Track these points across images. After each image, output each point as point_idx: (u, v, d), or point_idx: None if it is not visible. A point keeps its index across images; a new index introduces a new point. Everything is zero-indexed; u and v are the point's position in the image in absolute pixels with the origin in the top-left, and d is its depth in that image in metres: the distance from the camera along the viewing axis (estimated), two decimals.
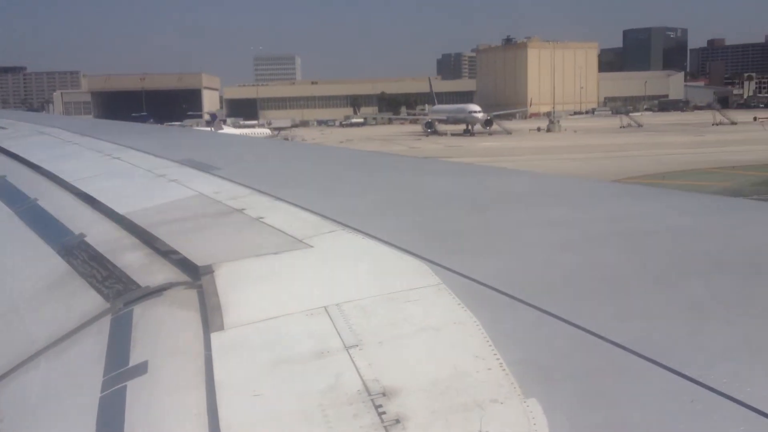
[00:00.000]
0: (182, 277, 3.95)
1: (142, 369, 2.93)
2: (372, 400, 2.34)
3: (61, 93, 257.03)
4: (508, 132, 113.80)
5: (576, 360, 2.51)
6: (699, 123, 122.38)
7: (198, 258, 4.02)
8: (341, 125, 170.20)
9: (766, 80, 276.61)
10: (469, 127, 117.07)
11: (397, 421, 2.22)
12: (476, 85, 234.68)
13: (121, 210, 5.66)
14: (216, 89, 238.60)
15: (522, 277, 3.40)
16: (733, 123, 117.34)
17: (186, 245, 4.37)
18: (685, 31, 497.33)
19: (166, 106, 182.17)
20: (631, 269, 3.48)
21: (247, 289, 3.56)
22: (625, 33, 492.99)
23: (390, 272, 3.59)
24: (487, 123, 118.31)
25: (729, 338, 2.62)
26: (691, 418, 2.11)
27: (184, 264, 4.09)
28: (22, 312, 4.43)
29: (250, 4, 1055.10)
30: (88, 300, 4.02)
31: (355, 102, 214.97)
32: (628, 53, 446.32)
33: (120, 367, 3.01)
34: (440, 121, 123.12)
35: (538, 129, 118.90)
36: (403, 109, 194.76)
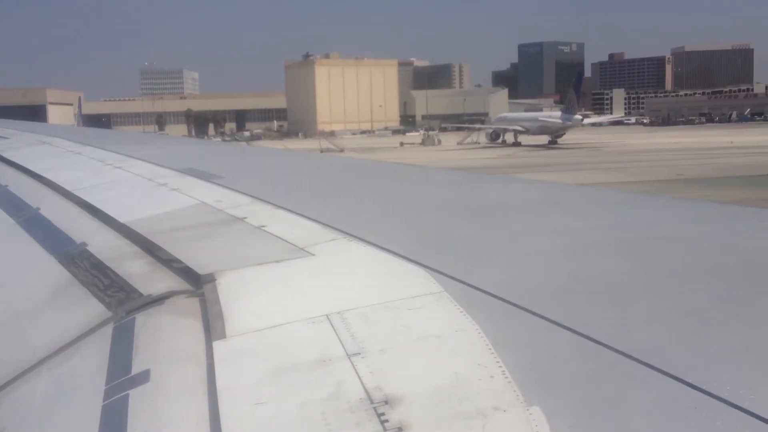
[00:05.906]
0: (184, 285, 3.96)
1: (144, 377, 2.93)
2: (374, 408, 2.34)
3: None
4: None
5: (579, 367, 2.50)
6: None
7: (200, 266, 4.02)
8: None
9: (636, 95, 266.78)
10: None
11: (400, 429, 2.22)
12: (286, 102, 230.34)
13: (123, 219, 5.67)
14: (70, 104, 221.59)
15: (524, 284, 3.40)
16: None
17: (188, 254, 4.38)
18: (581, 46, 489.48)
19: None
20: (632, 276, 3.48)
21: (249, 298, 3.56)
22: (520, 48, 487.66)
23: (392, 280, 3.60)
24: None
25: (732, 345, 2.62)
26: (694, 425, 2.11)
27: (186, 272, 4.10)
28: (24, 321, 4.44)
29: (140, 18, 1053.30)
30: (90, 308, 4.02)
31: (160, 119, 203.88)
32: (521, 68, 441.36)
33: (122, 375, 3.01)
34: None
35: None
36: (211, 127, 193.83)
